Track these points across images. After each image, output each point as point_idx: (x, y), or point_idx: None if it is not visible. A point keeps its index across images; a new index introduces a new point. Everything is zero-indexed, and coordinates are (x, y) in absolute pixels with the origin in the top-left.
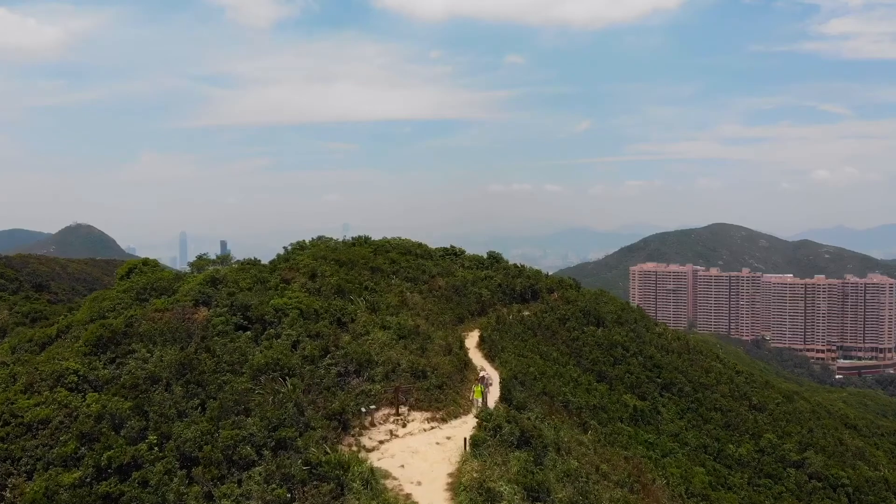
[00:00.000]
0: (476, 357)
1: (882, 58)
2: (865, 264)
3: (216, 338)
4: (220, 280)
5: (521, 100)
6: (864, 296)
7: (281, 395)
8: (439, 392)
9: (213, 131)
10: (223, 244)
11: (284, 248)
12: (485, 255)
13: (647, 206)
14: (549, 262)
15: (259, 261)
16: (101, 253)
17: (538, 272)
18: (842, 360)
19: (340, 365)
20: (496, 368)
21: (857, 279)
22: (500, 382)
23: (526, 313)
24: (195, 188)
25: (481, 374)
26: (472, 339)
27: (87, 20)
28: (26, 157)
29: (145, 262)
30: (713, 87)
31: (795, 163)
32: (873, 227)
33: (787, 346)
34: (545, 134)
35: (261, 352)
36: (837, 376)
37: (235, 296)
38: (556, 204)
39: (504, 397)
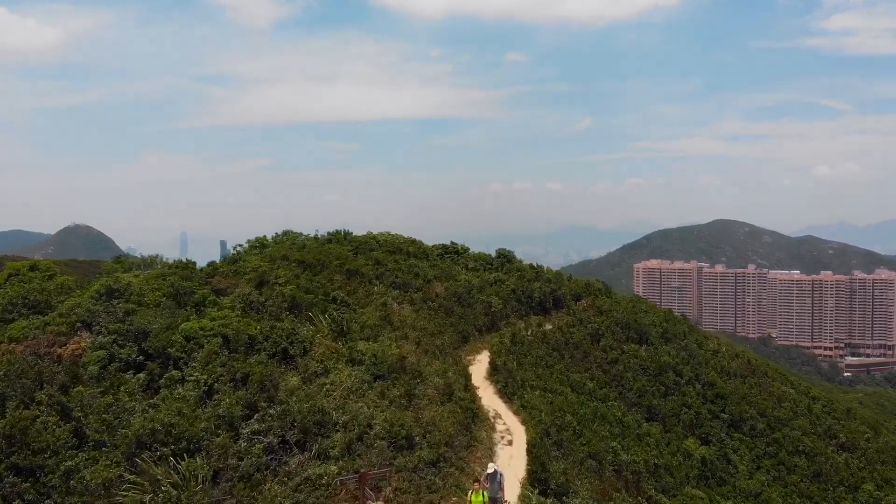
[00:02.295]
0: (487, 394)
1: (883, 53)
2: (870, 260)
3: (82, 387)
4: (120, 292)
5: (523, 98)
6: (872, 292)
7: (164, 491)
8: (433, 472)
9: (213, 131)
10: (223, 244)
11: (236, 247)
12: (493, 254)
13: (648, 204)
14: (550, 260)
15: (194, 264)
16: (99, 254)
17: (559, 274)
18: (849, 358)
19: (275, 431)
20: (517, 414)
21: (865, 275)
22: (527, 444)
23: (548, 327)
24: (196, 188)
25: (487, 471)
26: (480, 366)
27: (88, 20)
28: (27, 158)
29: (33, 265)
30: (714, 84)
31: (797, 159)
32: (875, 223)
33: (794, 343)
34: (546, 132)
35: (148, 409)
36: (846, 374)
37: (132, 317)
38: (557, 202)
39: (534, 474)
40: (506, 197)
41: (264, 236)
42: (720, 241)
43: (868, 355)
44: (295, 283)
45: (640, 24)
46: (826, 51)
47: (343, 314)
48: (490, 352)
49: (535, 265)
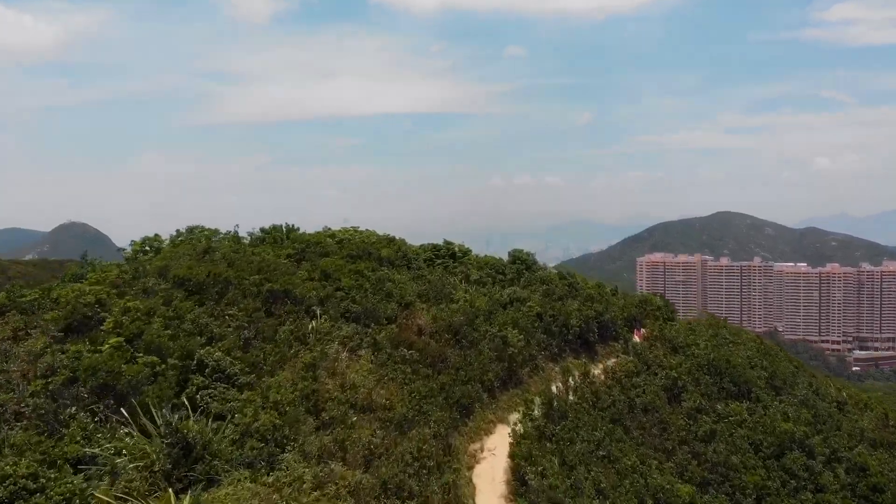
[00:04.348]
0: None
1: (883, 44)
2: (874, 251)
3: None
4: None
5: (523, 92)
6: (880, 285)
7: None
8: None
9: (213, 128)
10: None
11: (84, 255)
12: (506, 258)
13: (648, 197)
14: (550, 254)
15: None
16: (93, 251)
17: (601, 287)
18: (857, 352)
19: None
20: None
21: (873, 268)
22: None
23: (596, 372)
24: (196, 185)
25: None
26: (493, 465)
27: (85, 18)
28: (25, 156)
29: None
30: (714, 76)
31: (797, 151)
32: (874, 214)
33: (801, 337)
34: (546, 126)
35: None
36: (854, 368)
37: None
38: (557, 196)
39: None
40: (506, 192)
41: (156, 235)
42: (722, 233)
43: (876, 349)
44: (134, 329)
45: (639, 17)
46: (826, 42)
47: (212, 399)
48: (512, 438)
49: (568, 274)
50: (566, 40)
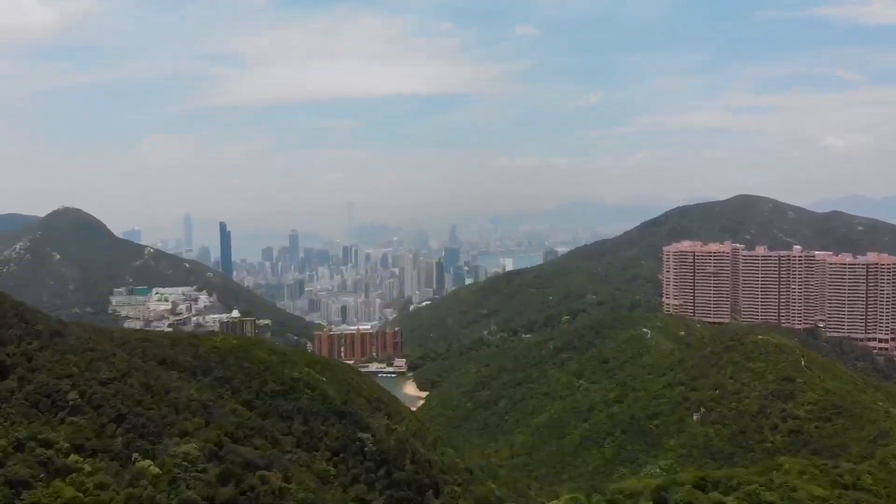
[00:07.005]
0: None
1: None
2: None
3: None
4: None
5: (532, 72)
6: None
7: None
8: None
9: (213, 112)
10: (222, 226)
11: None
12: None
13: (656, 178)
14: (558, 237)
15: None
16: (87, 238)
17: None
18: None
19: None
20: None
21: None
22: None
23: None
24: (200, 169)
25: None
26: None
27: (85, 1)
28: (24, 141)
29: None
30: (724, 55)
31: (808, 131)
32: (891, 196)
33: (845, 335)
34: (555, 106)
35: None
36: None
37: None
38: (563, 177)
39: None
40: (511, 173)
41: None
42: (744, 217)
43: None
44: None
45: None
46: (839, 20)
47: None
48: None
49: None
50: (574, 18)
